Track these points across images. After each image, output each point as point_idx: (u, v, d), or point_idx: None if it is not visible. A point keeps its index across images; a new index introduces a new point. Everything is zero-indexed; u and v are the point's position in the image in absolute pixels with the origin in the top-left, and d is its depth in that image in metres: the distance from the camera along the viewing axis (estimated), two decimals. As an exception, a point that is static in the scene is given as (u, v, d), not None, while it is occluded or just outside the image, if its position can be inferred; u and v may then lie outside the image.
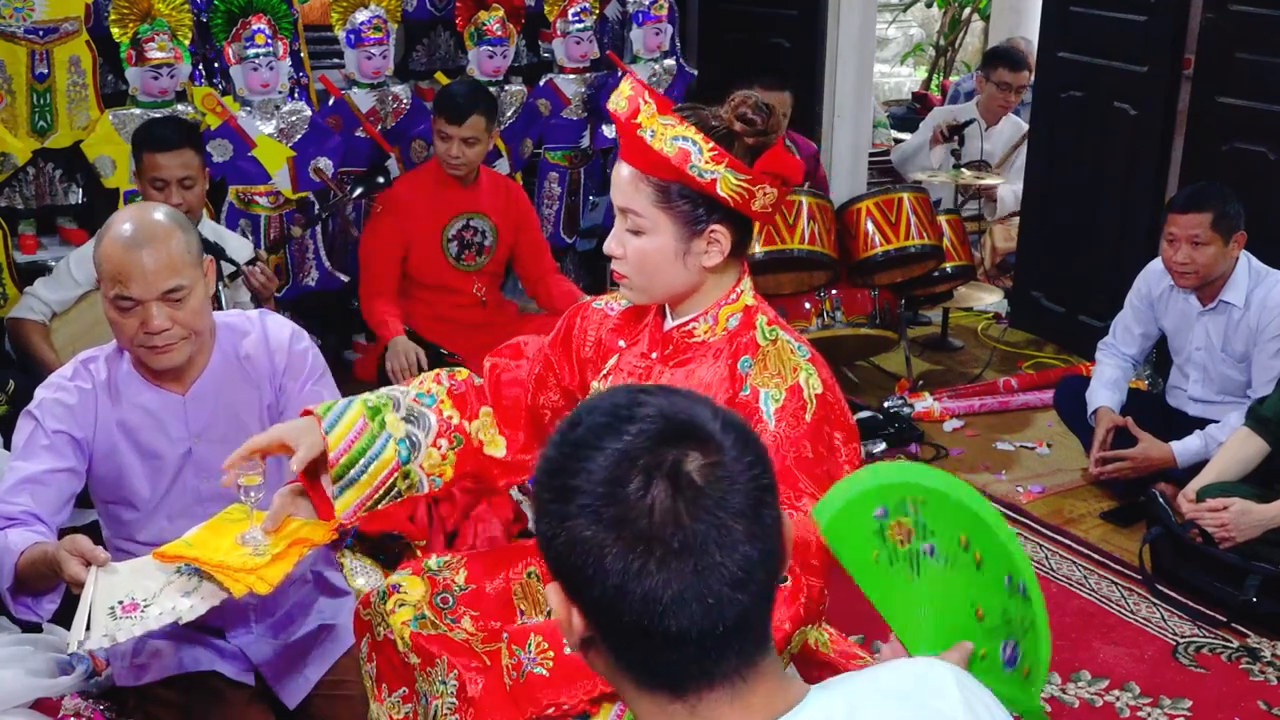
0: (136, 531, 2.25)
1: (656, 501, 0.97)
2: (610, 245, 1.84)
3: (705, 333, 1.84)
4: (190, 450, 2.22)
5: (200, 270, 2.14)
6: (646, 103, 1.74)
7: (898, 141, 6.85)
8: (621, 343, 1.95)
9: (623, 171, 1.80)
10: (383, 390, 1.96)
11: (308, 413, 1.90)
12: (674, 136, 1.72)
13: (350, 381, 4.13)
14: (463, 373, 2.05)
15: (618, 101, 1.77)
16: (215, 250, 3.24)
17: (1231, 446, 3.24)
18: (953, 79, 7.79)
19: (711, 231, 1.77)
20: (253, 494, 1.88)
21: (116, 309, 2.10)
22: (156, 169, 3.24)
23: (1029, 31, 6.34)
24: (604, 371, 1.94)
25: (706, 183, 1.72)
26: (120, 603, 1.86)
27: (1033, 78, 5.31)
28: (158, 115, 3.67)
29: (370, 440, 1.86)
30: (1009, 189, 5.48)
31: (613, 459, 0.99)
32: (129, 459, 2.20)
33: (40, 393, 2.18)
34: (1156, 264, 3.64)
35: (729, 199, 1.73)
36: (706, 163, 1.71)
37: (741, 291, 1.85)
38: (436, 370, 2.05)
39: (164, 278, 2.06)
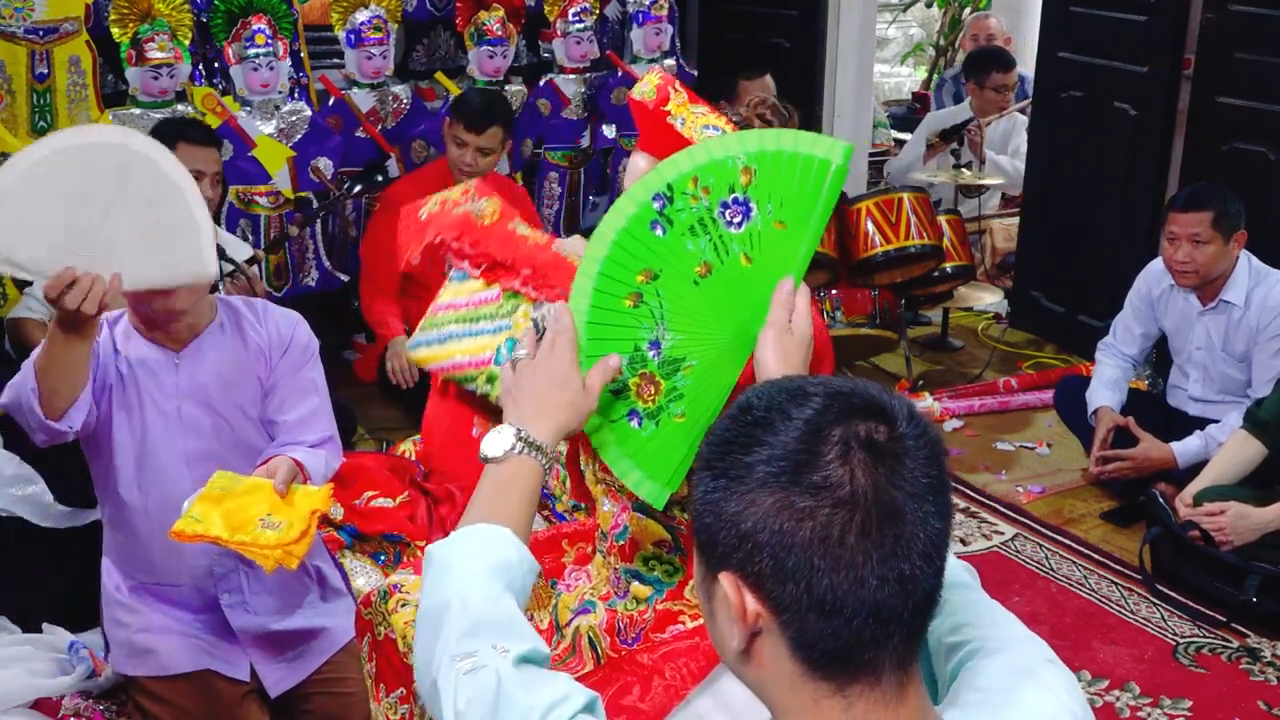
0: (122, 486, 2.30)
1: (857, 468, 0.94)
2: None
3: None
4: (179, 408, 2.28)
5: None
6: (677, 91, 1.76)
7: (898, 142, 6.84)
8: None
9: (641, 163, 1.81)
10: None
11: None
12: (704, 125, 1.73)
13: (350, 381, 4.13)
14: None
15: (644, 90, 1.77)
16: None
17: (1229, 449, 3.24)
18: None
19: None
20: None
21: None
22: (194, 160, 3.11)
23: (1029, 31, 6.33)
24: None
25: None
26: None
27: (1018, 64, 5.27)
28: (159, 116, 3.67)
29: None
30: (1006, 159, 5.47)
31: (802, 429, 0.96)
32: (121, 405, 2.26)
33: None
34: (1156, 264, 3.64)
35: None
36: None
37: None
38: None
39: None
